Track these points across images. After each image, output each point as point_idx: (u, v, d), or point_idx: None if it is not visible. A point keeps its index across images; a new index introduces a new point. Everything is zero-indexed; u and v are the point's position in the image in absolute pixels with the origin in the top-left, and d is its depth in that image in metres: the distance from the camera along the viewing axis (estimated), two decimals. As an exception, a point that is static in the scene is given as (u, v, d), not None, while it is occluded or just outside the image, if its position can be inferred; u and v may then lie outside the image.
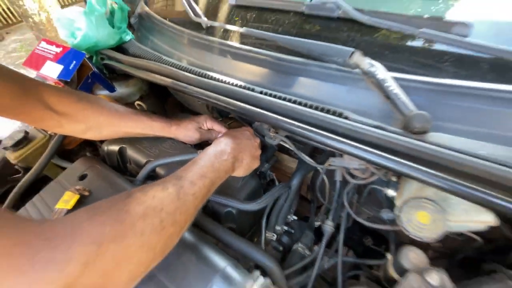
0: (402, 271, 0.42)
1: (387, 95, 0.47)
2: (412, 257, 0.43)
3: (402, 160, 0.44)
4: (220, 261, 0.43)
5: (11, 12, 4.98)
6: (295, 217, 0.72)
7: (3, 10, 4.95)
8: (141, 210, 0.32)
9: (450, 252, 0.64)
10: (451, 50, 0.48)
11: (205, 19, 0.77)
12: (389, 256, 0.48)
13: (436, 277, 0.37)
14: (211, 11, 0.81)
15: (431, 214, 0.42)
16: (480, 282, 0.39)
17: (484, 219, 0.43)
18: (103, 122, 0.63)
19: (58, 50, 0.82)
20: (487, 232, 0.52)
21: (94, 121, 0.63)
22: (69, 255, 0.25)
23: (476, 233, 0.51)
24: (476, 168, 0.40)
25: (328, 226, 0.58)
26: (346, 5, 0.55)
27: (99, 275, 0.27)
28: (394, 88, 0.46)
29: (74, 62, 0.79)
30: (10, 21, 5.10)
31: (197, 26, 0.80)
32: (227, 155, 0.51)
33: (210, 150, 0.51)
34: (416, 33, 0.48)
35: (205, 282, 0.41)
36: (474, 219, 0.43)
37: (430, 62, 0.49)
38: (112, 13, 0.93)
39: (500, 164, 0.39)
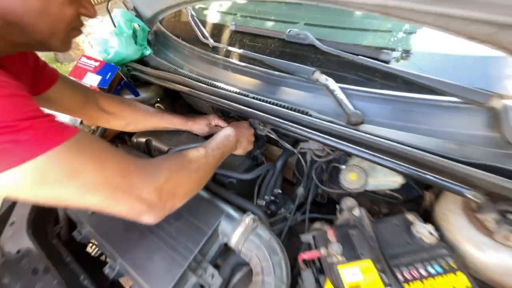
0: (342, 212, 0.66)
1: (336, 100, 0.70)
2: (348, 203, 0.66)
3: (344, 143, 0.67)
4: (225, 207, 0.67)
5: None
6: (280, 191, 0.95)
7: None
8: (188, 159, 0.57)
9: (392, 213, 0.88)
10: (378, 69, 0.71)
11: (211, 40, 1.00)
12: (338, 207, 0.72)
13: (357, 210, 0.61)
14: (216, 34, 1.05)
15: (357, 174, 0.66)
16: (387, 217, 0.62)
17: (395, 180, 0.66)
18: (139, 119, 0.86)
19: (96, 64, 1.05)
20: (404, 192, 0.76)
21: (132, 118, 0.86)
22: (159, 173, 0.49)
23: (399, 193, 0.75)
24: (390, 148, 0.63)
25: (300, 190, 0.82)
26: (311, 36, 0.79)
27: (172, 186, 0.51)
28: (340, 95, 0.70)
29: (110, 73, 1.02)
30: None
31: (205, 45, 1.03)
32: (232, 137, 0.75)
33: (222, 133, 0.76)
34: (355, 58, 0.71)
35: (216, 219, 0.64)
36: (390, 179, 0.67)
37: (365, 77, 0.73)
38: (135, 32, 1.16)
39: (404, 145, 0.62)
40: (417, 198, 0.82)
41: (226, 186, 0.82)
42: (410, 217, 0.59)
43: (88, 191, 0.41)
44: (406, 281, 0.49)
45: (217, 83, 0.88)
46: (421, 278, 0.49)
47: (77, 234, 0.78)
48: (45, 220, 0.86)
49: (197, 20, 1.08)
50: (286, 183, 1.11)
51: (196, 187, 0.58)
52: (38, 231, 0.81)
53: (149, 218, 0.48)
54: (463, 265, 0.52)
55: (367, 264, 0.51)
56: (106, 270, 0.68)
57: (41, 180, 0.37)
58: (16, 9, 0.45)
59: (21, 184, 0.36)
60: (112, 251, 0.66)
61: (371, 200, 0.89)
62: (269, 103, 0.77)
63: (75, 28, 0.54)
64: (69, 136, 0.39)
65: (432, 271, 0.49)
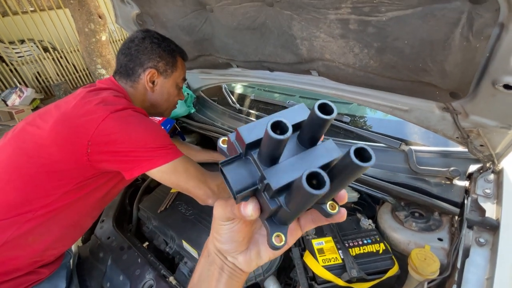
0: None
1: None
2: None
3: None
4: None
5: (88, 77, 6.09)
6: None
7: (85, 73, 5.91)
8: (218, 182, 0.97)
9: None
10: (341, 127, 1.15)
11: (238, 104, 1.51)
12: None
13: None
14: (241, 100, 1.56)
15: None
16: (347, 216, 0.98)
17: (354, 195, 1.04)
18: (192, 154, 1.32)
19: (160, 118, 1.56)
20: (360, 204, 1.12)
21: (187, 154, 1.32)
22: (218, 178, 0.90)
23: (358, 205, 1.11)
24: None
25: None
26: (302, 106, 1.26)
27: (224, 186, 0.91)
28: (318, 141, 1.13)
29: (169, 125, 1.52)
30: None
31: (233, 107, 1.53)
32: None
33: None
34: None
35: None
36: (350, 194, 1.04)
37: (334, 131, 1.17)
38: (185, 98, 1.70)
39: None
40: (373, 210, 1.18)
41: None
42: (359, 215, 0.96)
43: (190, 179, 0.83)
44: (350, 247, 0.84)
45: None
46: (359, 245, 0.84)
47: (146, 229, 1.18)
48: (122, 220, 1.26)
49: (228, 90, 1.61)
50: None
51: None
52: (118, 227, 1.21)
53: (211, 201, 0.88)
54: (387, 241, 0.87)
55: (328, 238, 0.87)
56: (167, 249, 1.06)
57: (173, 170, 0.80)
58: (157, 98, 0.96)
59: (165, 172, 0.79)
60: (172, 234, 1.04)
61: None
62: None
63: (175, 105, 1.04)
64: (182, 154, 0.84)
65: (365, 241, 0.85)
